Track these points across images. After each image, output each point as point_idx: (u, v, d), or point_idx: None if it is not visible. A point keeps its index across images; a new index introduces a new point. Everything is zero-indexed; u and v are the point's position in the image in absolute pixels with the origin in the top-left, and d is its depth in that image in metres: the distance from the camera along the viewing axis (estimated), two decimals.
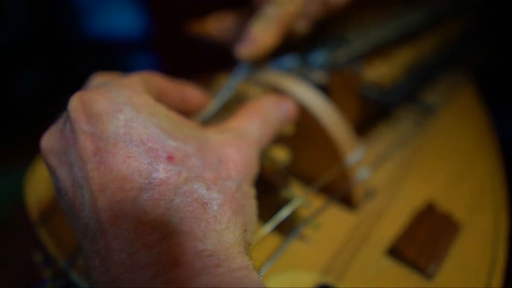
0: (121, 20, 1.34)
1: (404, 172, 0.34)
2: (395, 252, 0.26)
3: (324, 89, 0.31)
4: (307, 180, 0.32)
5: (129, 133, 0.18)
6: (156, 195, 0.18)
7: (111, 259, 0.17)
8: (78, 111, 0.19)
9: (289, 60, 0.34)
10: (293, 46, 0.34)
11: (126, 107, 0.19)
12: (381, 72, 0.38)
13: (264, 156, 0.28)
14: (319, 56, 0.33)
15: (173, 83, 0.26)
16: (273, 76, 0.30)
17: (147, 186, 0.18)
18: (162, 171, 0.18)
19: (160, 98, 0.24)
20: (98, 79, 0.23)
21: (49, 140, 0.20)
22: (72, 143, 0.19)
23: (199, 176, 0.19)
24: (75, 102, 0.19)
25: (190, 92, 0.27)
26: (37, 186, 0.32)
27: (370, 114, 0.38)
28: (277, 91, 0.29)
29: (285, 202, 0.26)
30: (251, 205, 0.21)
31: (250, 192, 0.22)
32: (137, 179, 0.18)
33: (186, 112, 0.26)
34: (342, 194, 0.30)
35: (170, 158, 0.19)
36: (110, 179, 0.18)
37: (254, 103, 0.26)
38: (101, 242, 0.17)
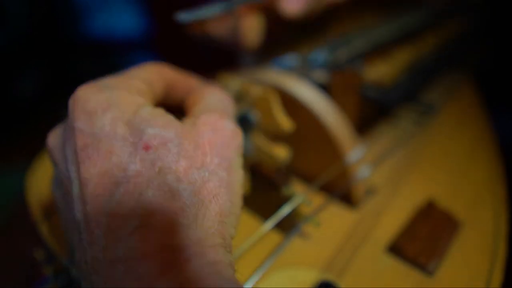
0: (121, 20, 1.34)
1: (405, 170, 0.34)
2: (396, 249, 0.26)
3: (325, 88, 0.31)
4: (307, 178, 0.32)
5: (113, 130, 0.19)
6: (131, 187, 0.18)
7: (88, 253, 0.17)
8: (74, 109, 0.20)
9: (290, 59, 0.34)
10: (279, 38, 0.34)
11: (113, 106, 0.20)
12: (381, 72, 0.38)
13: (265, 154, 0.28)
14: (320, 56, 0.33)
15: (182, 74, 0.26)
16: (274, 75, 0.30)
17: (123, 180, 0.18)
18: (138, 163, 0.18)
19: (170, 90, 0.25)
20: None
21: (53, 136, 0.22)
22: (68, 139, 0.20)
23: (171, 166, 0.19)
24: (72, 100, 0.20)
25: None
26: (38, 184, 0.32)
27: (370, 113, 0.39)
28: (278, 89, 0.29)
29: (285, 199, 0.26)
30: (233, 189, 0.20)
31: (234, 175, 0.21)
32: (116, 173, 0.18)
33: None
34: (342, 192, 0.30)
35: (146, 148, 0.19)
36: (94, 173, 0.18)
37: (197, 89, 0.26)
38: (83, 236, 0.18)
